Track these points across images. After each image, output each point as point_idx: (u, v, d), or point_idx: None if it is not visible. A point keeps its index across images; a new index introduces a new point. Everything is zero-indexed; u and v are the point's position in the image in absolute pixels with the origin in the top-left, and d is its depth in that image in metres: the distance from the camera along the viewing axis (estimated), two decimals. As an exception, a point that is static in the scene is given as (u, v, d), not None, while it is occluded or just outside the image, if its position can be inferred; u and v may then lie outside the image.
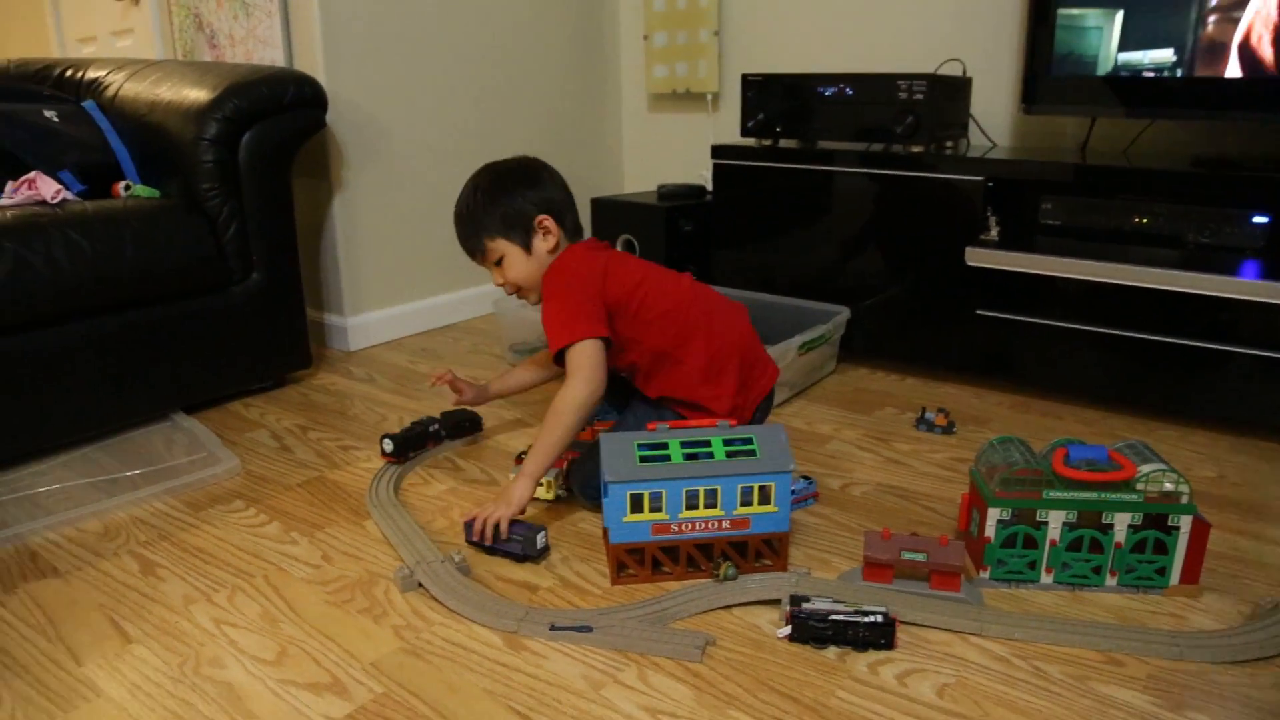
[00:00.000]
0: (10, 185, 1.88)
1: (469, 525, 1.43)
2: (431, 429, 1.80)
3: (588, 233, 2.81)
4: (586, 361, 1.46)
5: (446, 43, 2.61)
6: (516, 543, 1.41)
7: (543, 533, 1.42)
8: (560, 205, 1.59)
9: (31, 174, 1.90)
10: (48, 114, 2.06)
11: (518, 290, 1.62)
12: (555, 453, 1.46)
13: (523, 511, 1.46)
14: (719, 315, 1.60)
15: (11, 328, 1.69)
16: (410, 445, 1.76)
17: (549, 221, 1.56)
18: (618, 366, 1.59)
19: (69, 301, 1.75)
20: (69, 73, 2.43)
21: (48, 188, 1.88)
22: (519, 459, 1.74)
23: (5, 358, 1.69)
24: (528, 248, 1.57)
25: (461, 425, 1.86)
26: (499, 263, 1.59)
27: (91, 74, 2.37)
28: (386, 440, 1.73)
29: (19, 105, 2.07)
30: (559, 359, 1.50)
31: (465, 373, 2.30)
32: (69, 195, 1.91)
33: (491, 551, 1.43)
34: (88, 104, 2.17)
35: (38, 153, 1.96)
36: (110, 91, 2.26)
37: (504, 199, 1.56)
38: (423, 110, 2.58)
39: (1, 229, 1.68)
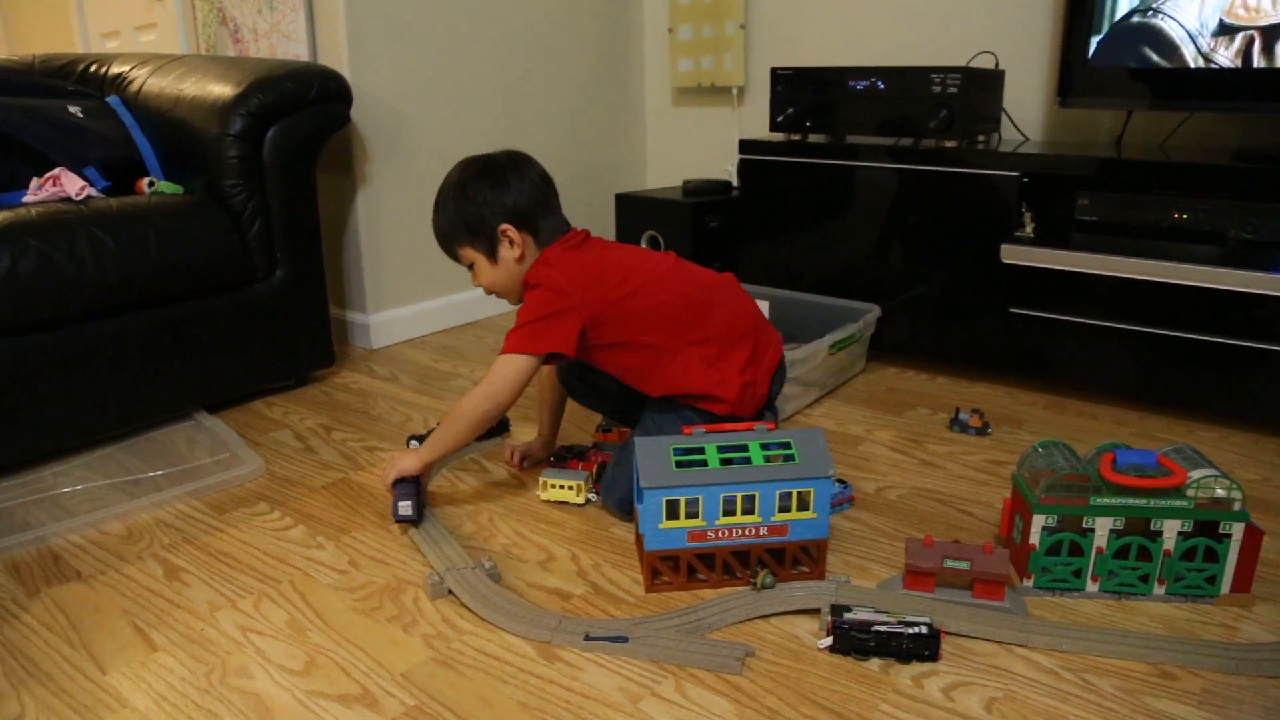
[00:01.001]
0: (35, 182, 1.87)
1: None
2: None
3: (606, 232, 2.78)
4: (504, 372, 1.46)
5: (470, 37, 2.58)
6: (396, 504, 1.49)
7: (409, 502, 1.49)
8: (527, 209, 1.51)
9: (56, 170, 1.89)
10: (72, 110, 2.04)
11: (493, 293, 1.59)
12: (449, 448, 1.52)
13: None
14: (711, 294, 1.54)
15: (35, 325, 1.68)
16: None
17: (511, 231, 1.50)
18: (614, 371, 1.54)
19: (93, 299, 1.73)
20: (93, 68, 2.41)
21: (72, 184, 1.86)
22: (551, 461, 1.71)
23: (29, 356, 1.68)
24: (493, 257, 1.52)
25: (489, 427, 1.83)
26: (472, 267, 1.56)
27: (115, 69, 2.35)
28: (413, 441, 1.70)
29: (44, 101, 2.05)
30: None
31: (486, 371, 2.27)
32: (93, 192, 1.90)
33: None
34: (112, 99, 2.15)
35: (63, 149, 1.94)
36: (134, 87, 2.24)
37: (468, 206, 1.51)
38: (446, 105, 2.56)
39: (27, 226, 1.67)
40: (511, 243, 1.51)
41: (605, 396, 1.70)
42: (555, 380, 1.75)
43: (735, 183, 2.79)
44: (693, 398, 1.51)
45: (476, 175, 1.53)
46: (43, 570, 1.43)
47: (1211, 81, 1.89)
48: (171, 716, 1.09)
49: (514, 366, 1.45)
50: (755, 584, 1.28)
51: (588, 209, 2.93)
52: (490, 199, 1.50)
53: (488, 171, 1.53)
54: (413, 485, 1.51)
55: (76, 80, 2.40)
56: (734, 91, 2.93)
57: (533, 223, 1.52)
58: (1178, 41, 1.90)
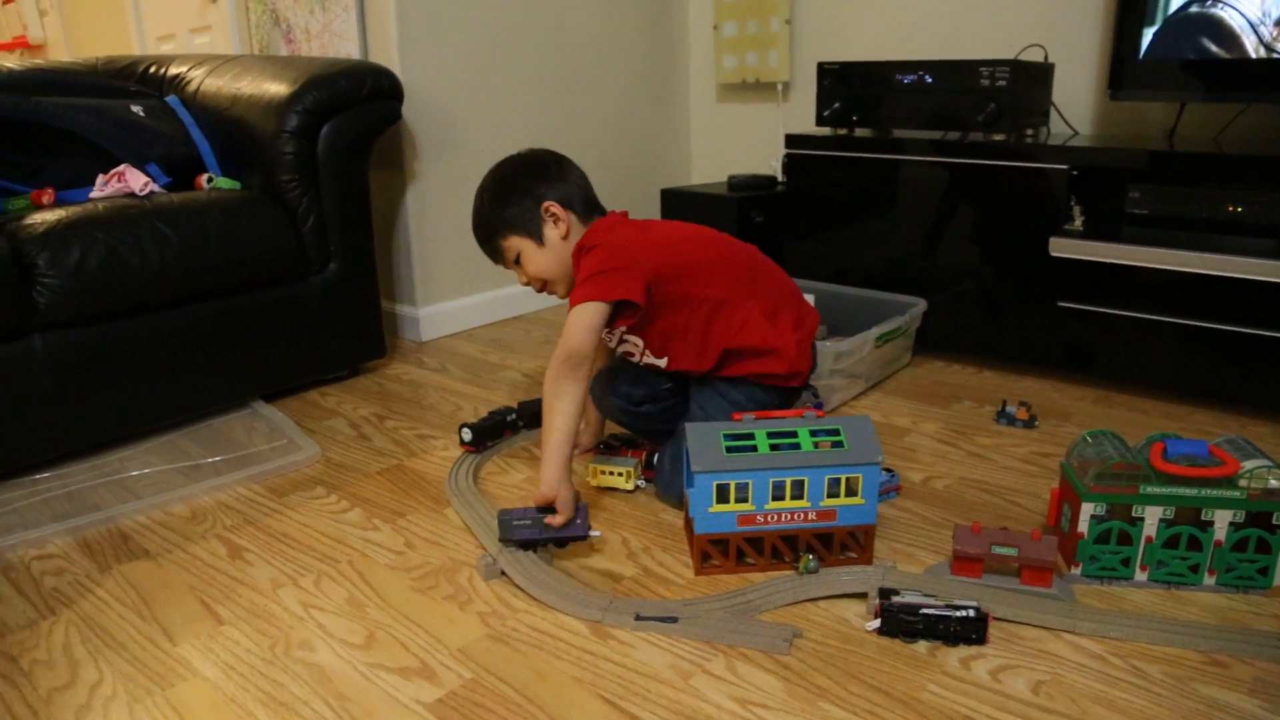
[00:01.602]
0: (101, 178, 1.93)
1: (510, 522, 1.38)
2: (509, 419, 1.81)
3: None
4: (574, 321, 1.40)
5: (517, 35, 2.62)
6: (574, 522, 1.37)
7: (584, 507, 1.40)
8: (568, 191, 1.53)
9: (121, 167, 1.95)
10: (135, 109, 2.11)
11: (544, 285, 1.57)
12: (562, 436, 1.39)
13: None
14: (753, 257, 1.58)
15: (103, 316, 1.74)
16: (488, 435, 1.77)
17: (555, 207, 1.51)
18: (671, 339, 1.51)
19: (156, 291, 1.79)
20: (152, 69, 2.48)
21: (136, 180, 1.92)
22: (599, 449, 1.73)
23: (98, 346, 1.74)
24: (539, 239, 1.52)
25: (539, 416, 1.86)
26: (518, 261, 1.55)
27: (174, 70, 2.42)
28: (465, 429, 1.74)
29: (108, 101, 2.12)
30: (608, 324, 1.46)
31: (535, 363, 2.32)
32: (156, 188, 1.96)
33: (538, 541, 1.38)
34: (171, 99, 2.22)
35: (126, 146, 2.01)
36: (192, 87, 2.30)
37: (508, 196, 1.53)
38: (494, 102, 2.60)
39: (95, 220, 1.73)
40: (556, 220, 1.51)
41: (637, 409, 1.68)
42: (598, 368, 1.76)
43: (780, 178, 2.80)
44: (752, 353, 1.51)
45: (515, 169, 1.56)
46: (113, 549, 1.48)
47: (1273, 72, 1.87)
48: (239, 685, 1.14)
49: (585, 313, 1.41)
50: (799, 568, 1.30)
51: (634, 205, 2.93)
52: (529, 186, 1.52)
53: (525, 164, 1.56)
54: (532, 511, 1.40)
55: (137, 81, 2.47)
56: (779, 87, 2.94)
57: (574, 203, 1.54)
58: (1238, 31, 1.88)
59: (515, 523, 1.37)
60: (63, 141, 1.98)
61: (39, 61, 2.84)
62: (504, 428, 1.81)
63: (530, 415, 1.85)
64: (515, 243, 1.53)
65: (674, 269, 1.47)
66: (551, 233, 1.52)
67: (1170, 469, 1.24)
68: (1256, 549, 1.25)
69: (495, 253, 1.57)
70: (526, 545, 1.37)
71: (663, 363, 1.55)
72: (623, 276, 1.41)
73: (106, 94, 2.21)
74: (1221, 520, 1.25)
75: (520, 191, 1.52)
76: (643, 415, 1.67)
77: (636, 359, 1.59)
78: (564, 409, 1.40)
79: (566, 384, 1.40)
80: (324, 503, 1.62)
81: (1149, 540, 1.27)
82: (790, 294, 1.59)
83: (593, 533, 1.38)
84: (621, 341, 1.57)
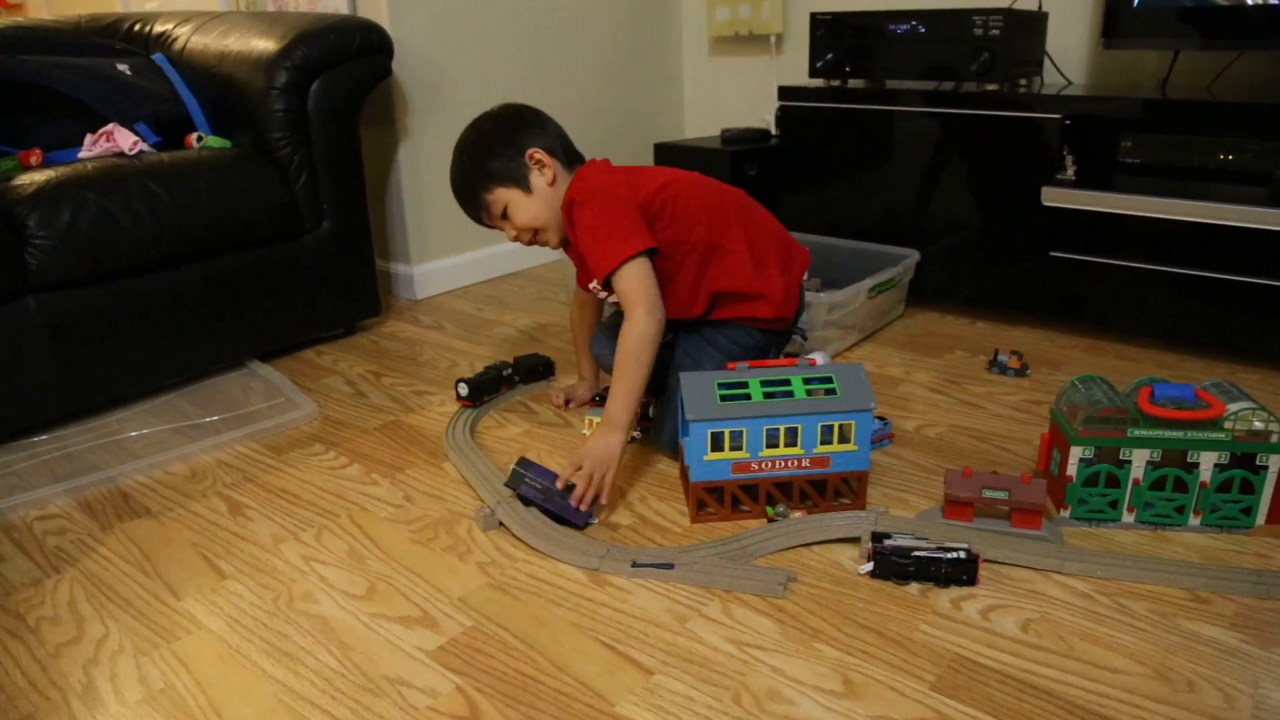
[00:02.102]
0: (89, 138, 1.92)
1: (523, 475, 1.37)
2: (505, 373, 1.82)
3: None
4: (639, 286, 1.40)
5: (507, -12, 2.60)
6: (573, 509, 1.33)
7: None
8: (548, 138, 1.54)
9: (109, 127, 1.93)
10: (121, 67, 2.09)
11: (534, 236, 1.56)
12: (638, 395, 1.39)
13: None
14: (737, 198, 1.58)
15: (96, 277, 1.74)
16: (485, 389, 1.78)
17: (540, 154, 1.51)
18: (664, 278, 1.49)
19: (149, 251, 1.79)
20: (137, 27, 2.46)
21: (125, 139, 1.91)
22: (596, 401, 1.76)
23: (91, 307, 1.74)
24: (527, 187, 1.51)
25: (535, 370, 1.88)
26: (505, 215, 1.54)
27: (159, 28, 2.39)
28: (461, 384, 1.75)
29: (94, 59, 2.10)
30: (605, 285, 1.46)
31: (529, 319, 2.33)
32: (145, 147, 1.95)
33: (537, 505, 1.36)
34: (158, 57, 2.20)
35: (114, 105, 1.99)
36: (179, 44, 2.28)
37: (490, 149, 1.51)
38: (484, 57, 2.58)
39: (85, 180, 1.72)
40: (542, 166, 1.51)
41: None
42: (591, 321, 1.78)
43: (774, 131, 2.79)
44: (740, 296, 1.52)
45: (493, 123, 1.55)
46: (114, 508, 1.50)
47: (1268, 18, 1.86)
48: (244, 637, 1.16)
49: (633, 271, 1.40)
50: (769, 516, 1.35)
51: (627, 159, 2.92)
52: (511, 136, 1.52)
53: (502, 118, 1.55)
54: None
55: (122, 39, 2.44)
56: (772, 39, 2.92)
57: (556, 151, 1.54)
58: (1235, -24, 1.87)
59: (528, 479, 1.36)
60: (50, 101, 1.96)
61: (19, 20, 2.80)
62: (500, 382, 1.82)
63: (526, 369, 1.86)
64: (502, 195, 1.52)
65: (664, 215, 1.48)
66: (538, 180, 1.52)
67: (1157, 412, 1.26)
68: (1240, 489, 1.28)
69: (480, 209, 1.55)
70: (526, 501, 1.38)
71: None
72: (630, 223, 1.43)
73: (92, 52, 2.19)
74: (1207, 462, 1.27)
75: (502, 142, 1.52)
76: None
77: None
78: (644, 373, 1.39)
79: (651, 346, 1.39)
80: (323, 459, 1.64)
81: (1136, 482, 1.29)
82: (778, 236, 1.60)
83: (592, 520, 1.37)
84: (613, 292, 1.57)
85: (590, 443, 1.38)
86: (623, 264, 1.40)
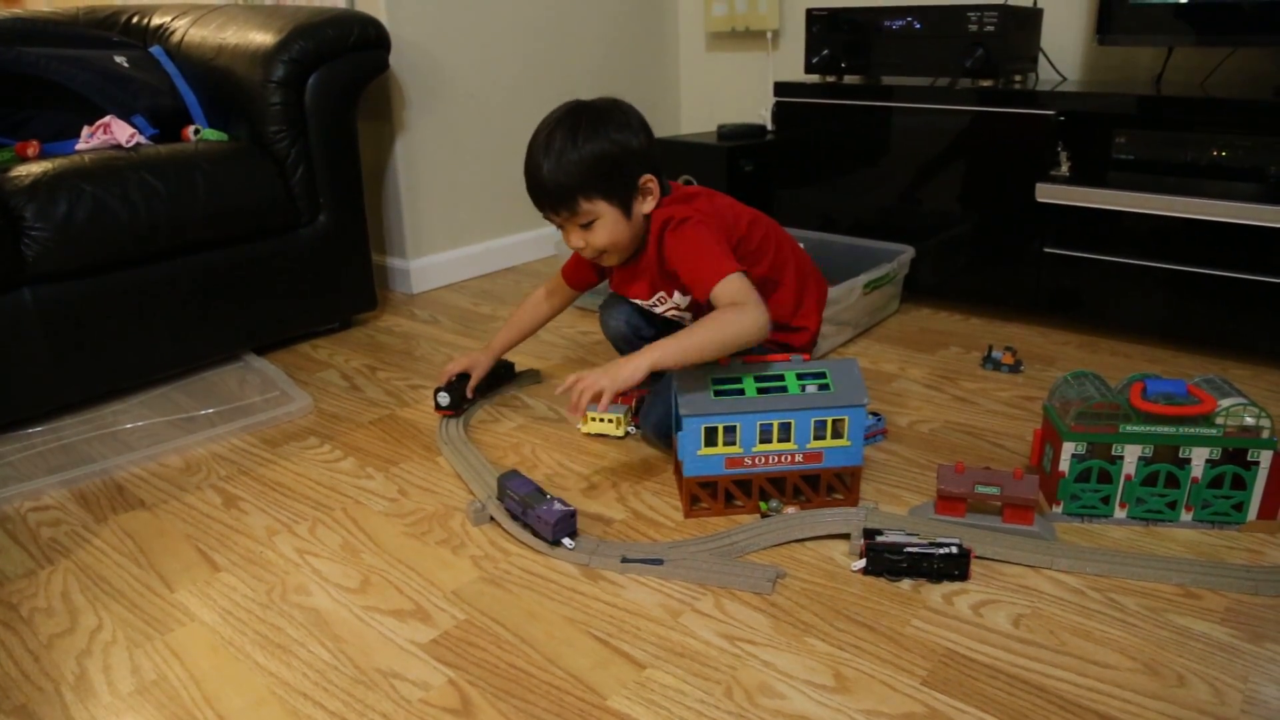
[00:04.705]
0: (86, 130, 1.92)
1: (505, 486, 1.33)
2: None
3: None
4: (747, 289, 1.33)
5: (504, -18, 2.60)
6: (546, 523, 1.27)
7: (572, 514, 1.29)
8: (657, 160, 1.42)
9: (106, 119, 1.93)
10: (118, 60, 2.09)
11: (600, 253, 1.46)
12: (695, 354, 1.29)
13: (626, 394, 1.46)
14: (782, 233, 1.61)
15: (92, 269, 1.74)
16: (462, 401, 1.72)
17: (653, 183, 1.40)
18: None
19: (145, 243, 1.79)
20: (135, 19, 2.45)
21: (122, 132, 1.91)
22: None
23: (88, 299, 1.74)
24: (628, 213, 1.40)
25: (496, 374, 1.81)
26: (585, 224, 1.41)
27: (157, 20, 2.39)
28: (442, 394, 1.70)
29: (91, 51, 2.09)
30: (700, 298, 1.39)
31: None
32: (142, 139, 1.94)
33: (514, 515, 1.34)
34: (155, 50, 2.19)
35: (112, 98, 1.99)
36: (176, 37, 2.28)
37: (608, 160, 1.36)
38: (482, 51, 2.58)
39: (82, 172, 1.72)
40: (648, 195, 1.42)
41: (641, 340, 1.70)
42: (546, 315, 1.74)
43: (770, 126, 2.79)
44: (781, 327, 1.55)
45: (623, 131, 1.39)
46: (109, 499, 1.50)
47: (1262, 14, 1.86)
48: (237, 629, 1.16)
49: (740, 280, 1.34)
50: (762, 511, 1.35)
51: (622, 155, 2.95)
52: (638, 153, 1.39)
53: (632, 126, 1.41)
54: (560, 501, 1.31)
55: (119, 31, 2.44)
56: (768, 35, 2.92)
57: (661, 176, 1.44)
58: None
59: (509, 491, 1.34)
60: (47, 93, 1.96)
61: (17, 11, 2.80)
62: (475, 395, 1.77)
63: (492, 377, 1.80)
64: (601, 209, 1.39)
65: (743, 247, 1.49)
66: (639, 209, 1.43)
67: (1149, 408, 1.27)
68: (1232, 485, 1.28)
69: (565, 208, 1.40)
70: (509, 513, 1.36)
71: None
72: (729, 251, 1.39)
73: (89, 45, 2.18)
74: (1199, 457, 1.27)
75: (628, 156, 1.39)
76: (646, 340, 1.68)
77: (661, 313, 1.60)
78: (726, 348, 1.31)
79: (758, 335, 1.32)
80: (317, 452, 1.64)
81: (1128, 478, 1.30)
82: (813, 273, 1.64)
83: (566, 542, 1.27)
84: (671, 307, 1.56)
85: (617, 360, 1.34)
86: (729, 276, 1.34)
